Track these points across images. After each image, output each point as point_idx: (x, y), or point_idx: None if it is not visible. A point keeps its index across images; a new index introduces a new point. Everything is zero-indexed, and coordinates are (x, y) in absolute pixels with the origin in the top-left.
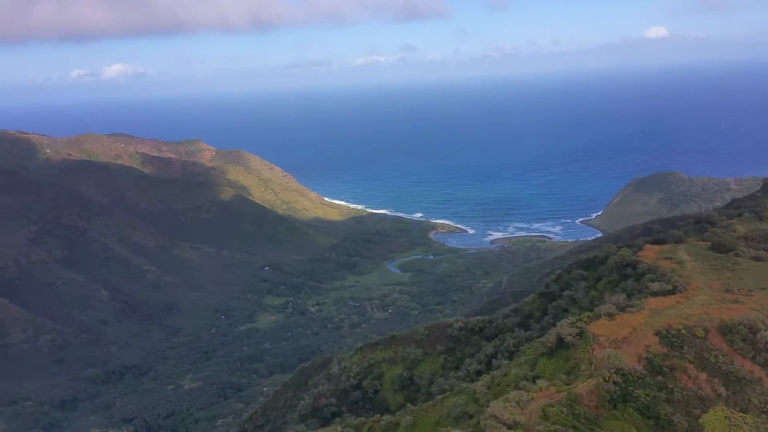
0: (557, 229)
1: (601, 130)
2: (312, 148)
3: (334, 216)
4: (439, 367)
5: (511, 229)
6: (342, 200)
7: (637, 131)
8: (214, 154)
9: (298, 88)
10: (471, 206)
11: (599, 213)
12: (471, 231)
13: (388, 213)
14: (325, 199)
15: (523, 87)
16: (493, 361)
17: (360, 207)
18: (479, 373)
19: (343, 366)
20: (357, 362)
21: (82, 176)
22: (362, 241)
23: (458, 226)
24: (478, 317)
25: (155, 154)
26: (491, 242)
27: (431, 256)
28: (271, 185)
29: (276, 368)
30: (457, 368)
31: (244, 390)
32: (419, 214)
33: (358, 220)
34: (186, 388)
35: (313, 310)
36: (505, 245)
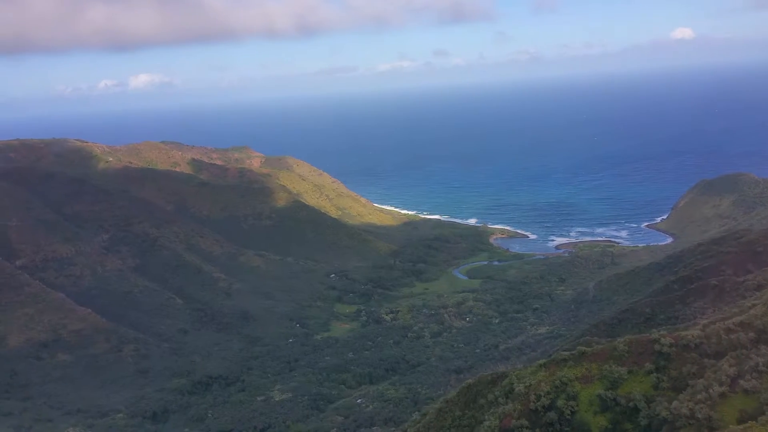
0: (623, 233)
1: (643, 132)
2: (348, 154)
3: (389, 222)
4: (650, 387)
5: (573, 234)
6: (390, 206)
7: (681, 133)
8: (263, 160)
9: (323, 95)
10: (524, 211)
11: (664, 217)
12: (533, 236)
13: (442, 218)
14: (375, 204)
15: (551, 90)
16: (740, 381)
17: (411, 212)
18: (722, 395)
19: (528, 384)
20: (544, 380)
21: (145, 184)
22: (424, 247)
23: (518, 231)
24: (689, 332)
25: (206, 161)
26: (556, 248)
27: (496, 262)
28: (325, 191)
29: (364, 379)
30: (676, 389)
31: (335, 401)
32: (474, 220)
33: (413, 225)
34: (277, 399)
35: (387, 318)
36: (572, 251)
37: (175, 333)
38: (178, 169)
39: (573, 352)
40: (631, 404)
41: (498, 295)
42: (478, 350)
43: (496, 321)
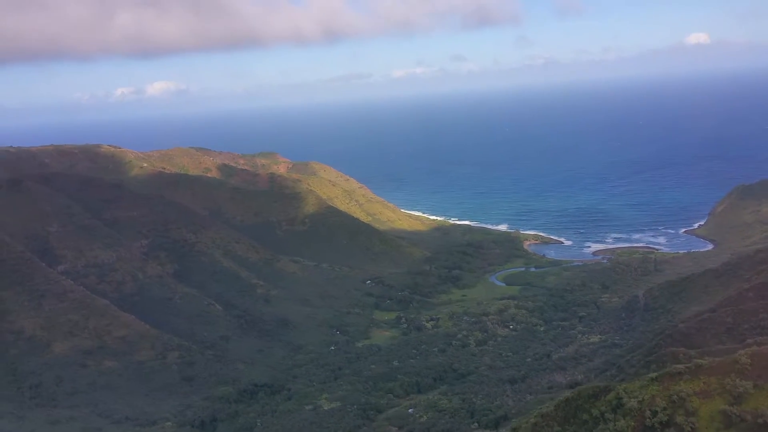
0: (661, 240)
1: (665, 137)
2: (368, 159)
3: (418, 227)
4: None
5: (609, 240)
6: (417, 211)
7: (705, 138)
8: (289, 166)
9: (339, 102)
10: (555, 217)
11: (702, 223)
12: (567, 242)
13: (472, 224)
14: (402, 210)
15: (568, 95)
16: None
17: (440, 218)
18: None
19: (641, 399)
20: (659, 395)
21: (179, 189)
22: (458, 254)
23: (551, 237)
24: None
25: (235, 167)
26: (593, 254)
27: (533, 269)
28: (355, 196)
29: (411, 388)
30: None
31: (385, 411)
32: (504, 226)
33: (444, 231)
34: (326, 408)
35: (428, 325)
36: (610, 257)
37: (218, 340)
38: (209, 175)
39: (688, 365)
40: (759, 420)
41: (540, 303)
42: (529, 359)
43: (542, 329)
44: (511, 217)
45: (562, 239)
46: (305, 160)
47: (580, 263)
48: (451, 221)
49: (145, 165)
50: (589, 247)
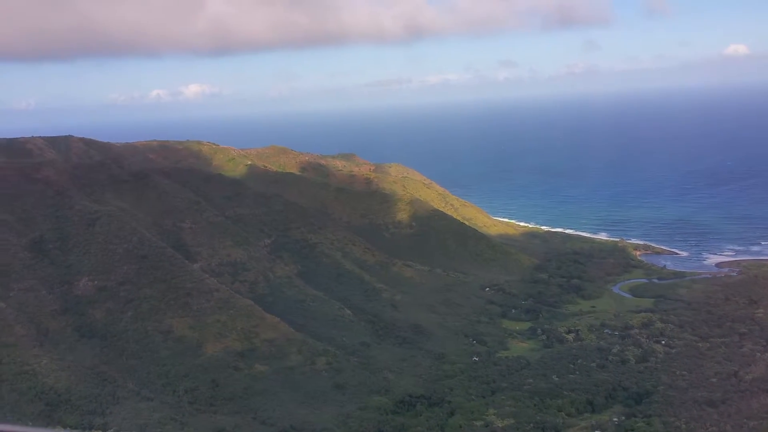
0: None
1: (738, 146)
2: (429, 164)
3: (513, 233)
4: None
5: (728, 252)
6: (502, 217)
7: None
8: (372, 167)
9: (378, 107)
10: (653, 227)
11: None
12: (683, 253)
13: (567, 232)
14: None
15: (619, 103)
16: None
17: (530, 225)
18: None
19: None
20: None
21: (287, 189)
22: (570, 262)
23: (663, 247)
24: None
25: (327, 166)
26: (716, 266)
27: (656, 280)
28: (449, 200)
29: (583, 406)
30: None
31: (563, 431)
32: (604, 234)
33: (541, 238)
34: (499, 425)
35: (569, 338)
36: (739, 270)
37: (358, 346)
38: (307, 174)
39: None
40: None
41: (686, 317)
42: (713, 379)
43: (701, 345)
44: (602, 225)
45: (674, 250)
46: (386, 162)
47: (709, 275)
48: (542, 228)
49: (250, 162)
50: (708, 258)
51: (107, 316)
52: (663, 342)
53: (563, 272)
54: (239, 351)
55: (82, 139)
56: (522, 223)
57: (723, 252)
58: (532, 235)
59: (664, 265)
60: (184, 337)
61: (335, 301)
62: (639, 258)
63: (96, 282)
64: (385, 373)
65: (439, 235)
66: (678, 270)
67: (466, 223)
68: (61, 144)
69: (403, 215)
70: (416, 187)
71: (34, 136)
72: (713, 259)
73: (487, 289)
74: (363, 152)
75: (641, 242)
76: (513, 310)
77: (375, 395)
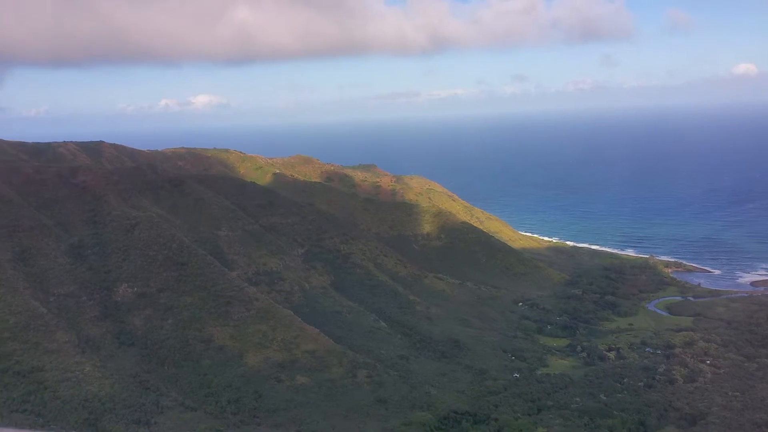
0: None
1: (755, 166)
2: (444, 177)
3: (538, 248)
4: None
5: (761, 271)
6: (523, 232)
7: None
8: (393, 179)
9: (386, 119)
10: (681, 244)
11: None
12: (715, 271)
13: (593, 247)
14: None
15: (627, 121)
16: None
17: (554, 239)
18: None
19: None
20: None
21: (315, 198)
22: (601, 278)
23: (694, 265)
24: None
25: (352, 177)
26: (752, 284)
27: (692, 298)
28: (475, 213)
29: (636, 427)
30: None
31: None
32: (631, 251)
33: (568, 253)
34: None
35: (611, 356)
36: None
37: (397, 359)
38: (332, 185)
39: None
40: None
41: (728, 337)
42: None
43: (748, 366)
44: (628, 242)
45: (706, 268)
46: (405, 174)
47: (746, 294)
48: (567, 243)
49: (277, 171)
50: (742, 277)
51: (147, 323)
52: (708, 362)
53: (595, 288)
54: (280, 362)
55: (113, 145)
56: (546, 238)
57: (757, 271)
58: (557, 250)
59: (699, 283)
60: (225, 346)
61: (370, 313)
62: (671, 275)
63: (135, 288)
64: (426, 388)
65: (468, 247)
66: (713, 288)
67: (494, 236)
68: (92, 149)
69: (430, 227)
70: (441, 200)
71: (66, 141)
72: (747, 278)
73: (520, 304)
74: (379, 164)
75: (671, 259)
76: (548, 326)
77: (418, 410)
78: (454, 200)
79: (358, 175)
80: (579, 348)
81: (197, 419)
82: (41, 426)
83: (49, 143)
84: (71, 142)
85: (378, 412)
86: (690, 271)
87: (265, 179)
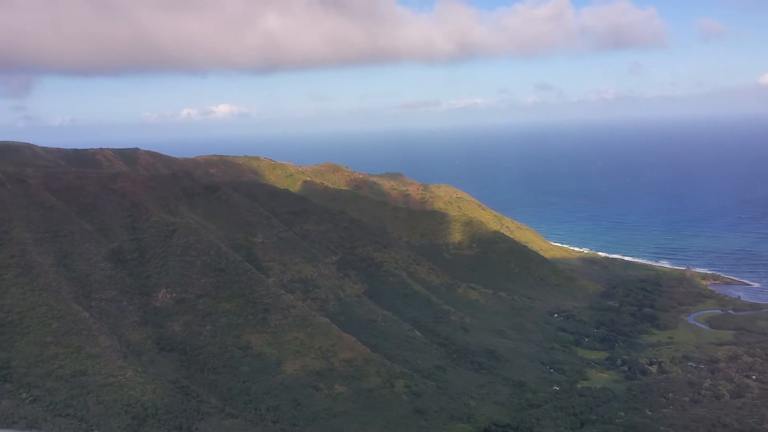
0: None
1: None
2: (470, 186)
3: (570, 259)
4: None
5: None
6: (553, 242)
7: None
8: (421, 187)
9: (403, 128)
10: (717, 256)
11: None
12: (755, 284)
13: (628, 259)
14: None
15: (652, 130)
16: None
17: (585, 250)
18: None
19: None
20: None
21: (345, 206)
22: (637, 290)
23: (732, 277)
24: None
25: (380, 184)
26: None
27: (732, 311)
28: (505, 222)
29: None
30: None
31: None
32: (666, 262)
33: (601, 264)
34: None
35: (653, 369)
36: None
37: (434, 370)
38: (361, 192)
39: None
40: None
41: None
42: None
43: None
44: (662, 253)
45: (744, 280)
46: (432, 183)
47: None
48: (599, 254)
49: (308, 178)
50: None
51: (186, 329)
52: (754, 377)
53: (632, 300)
54: (318, 370)
55: (148, 152)
56: (577, 248)
57: None
58: (590, 260)
59: (738, 296)
60: (263, 353)
61: (405, 322)
62: (709, 288)
63: (174, 294)
64: (465, 399)
65: (500, 257)
66: (753, 302)
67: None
68: (128, 156)
69: (461, 236)
70: (471, 209)
71: (102, 148)
72: None
73: (556, 315)
74: (405, 173)
75: (708, 271)
76: (586, 339)
77: (457, 422)
78: (483, 209)
79: (386, 184)
80: (619, 361)
81: (238, 426)
82: (84, 431)
83: (86, 150)
84: (107, 148)
85: (417, 423)
86: (728, 283)
87: (295, 187)
